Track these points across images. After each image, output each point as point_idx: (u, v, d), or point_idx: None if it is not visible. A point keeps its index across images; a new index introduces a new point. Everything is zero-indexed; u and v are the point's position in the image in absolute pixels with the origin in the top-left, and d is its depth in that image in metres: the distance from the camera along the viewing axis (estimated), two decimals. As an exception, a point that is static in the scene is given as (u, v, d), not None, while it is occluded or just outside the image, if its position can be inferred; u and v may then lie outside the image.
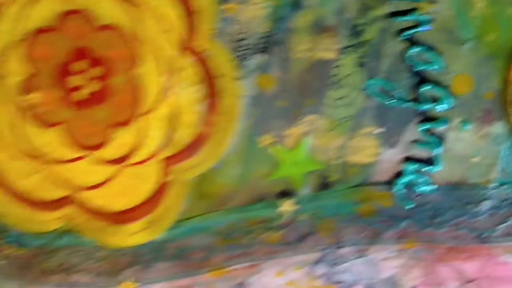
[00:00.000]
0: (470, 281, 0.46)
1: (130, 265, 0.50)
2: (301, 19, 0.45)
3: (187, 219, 0.49)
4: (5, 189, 0.49)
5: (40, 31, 0.46)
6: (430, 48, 0.44)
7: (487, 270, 0.46)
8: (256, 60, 0.46)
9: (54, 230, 0.50)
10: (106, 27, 0.45)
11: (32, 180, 0.49)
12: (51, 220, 0.50)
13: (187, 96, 0.46)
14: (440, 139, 0.45)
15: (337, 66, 0.45)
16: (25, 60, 0.46)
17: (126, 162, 0.47)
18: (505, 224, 0.44)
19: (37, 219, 0.50)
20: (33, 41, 0.46)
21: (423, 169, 0.45)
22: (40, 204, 0.49)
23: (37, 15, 0.46)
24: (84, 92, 0.46)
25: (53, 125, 0.47)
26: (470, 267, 0.46)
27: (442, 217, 0.46)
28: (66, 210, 0.49)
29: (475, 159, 0.45)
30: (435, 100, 0.44)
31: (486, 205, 0.45)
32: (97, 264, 0.50)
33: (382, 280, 0.47)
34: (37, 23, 0.46)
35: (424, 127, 0.45)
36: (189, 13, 0.45)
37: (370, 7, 0.44)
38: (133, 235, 0.49)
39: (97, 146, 0.47)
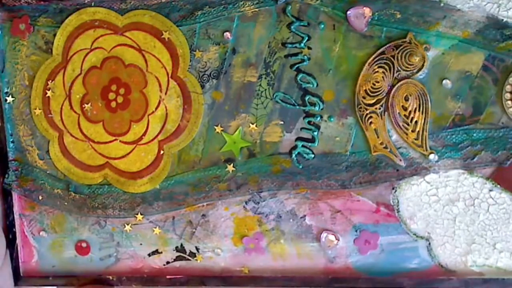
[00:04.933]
0: (338, 211, 0.68)
1: (140, 204, 0.72)
2: (237, 59, 0.67)
3: (172, 176, 0.71)
4: (70, 159, 0.74)
5: (91, 68, 0.71)
6: (309, 74, 0.66)
7: (347, 204, 0.67)
8: (212, 83, 0.69)
9: (97, 183, 0.74)
10: (128, 65, 0.70)
11: (85, 154, 0.73)
12: (95, 177, 0.74)
13: (173, 104, 0.70)
14: (316, 127, 0.66)
15: (257, 86, 0.67)
16: (83, 86, 0.72)
17: (138, 143, 0.71)
18: (356, 177, 0.66)
19: (88, 176, 0.74)
20: (87, 76, 0.72)
21: (307, 145, 0.67)
22: (89, 167, 0.73)
23: (89, 63, 0.71)
24: (115, 103, 0.71)
25: (98, 122, 0.72)
26: (337, 203, 0.67)
27: (319, 173, 0.67)
28: (104, 171, 0.73)
29: (337, 138, 0.66)
30: (313, 104, 0.66)
31: (344, 165, 0.66)
32: (121, 203, 0.73)
33: (286, 211, 0.69)
34: (89, 66, 0.71)
35: (307, 120, 0.66)
36: (174, 57, 0.69)
37: (275, 51, 0.66)
38: (142, 186, 0.72)
39: (123, 134, 0.71)
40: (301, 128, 0.67)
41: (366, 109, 0.65)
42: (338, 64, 0.66)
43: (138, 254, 0.75)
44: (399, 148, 0.65)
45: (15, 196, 0.77)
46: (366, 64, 0.64)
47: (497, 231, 0.64)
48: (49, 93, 0.73)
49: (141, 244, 0.74)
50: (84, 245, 0.76)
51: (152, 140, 0.71)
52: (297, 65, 0.66)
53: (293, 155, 0.68)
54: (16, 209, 0.77)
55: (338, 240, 0.68)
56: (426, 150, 0.64)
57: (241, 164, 0.69)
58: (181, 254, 0.73)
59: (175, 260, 0.74)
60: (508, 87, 0.61)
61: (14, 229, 0.77)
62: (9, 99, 0.75)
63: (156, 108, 0.70)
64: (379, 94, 0.64)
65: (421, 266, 0.67)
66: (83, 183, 0.74)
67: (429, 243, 0.66)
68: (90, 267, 0.77)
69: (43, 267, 0.78)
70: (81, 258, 0.77)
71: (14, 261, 0.78)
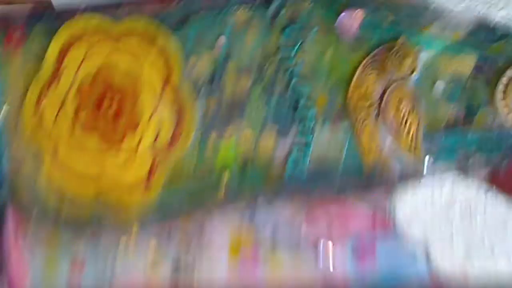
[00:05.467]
0: (334, 219, 0.67)
1: (135, 216, 0.70)
2: (230, 65, 0.68)
3: (167, 186, 0.69)
4: (64, 170, 0.72)
5: (85, 77, 0.71)
6: (303, 78, 0.66)
7: (343, 211, 0.67)
8: (205, 90, 0.68)
9: (92, 195, 0.71)
10: (123, 73, 0.70)
11: (80, 164, 0.72)
12: (90, 189, 0.71)
13: (167, 112, 0.69)
14: (311, 132, 0.66)
15: (251, 92, 0.67)
16: (77, 94, 0.71)
17: (134, 151, 0.70)
18: (351, 183, 0.65)
19: (82, 188, 0.71)
20: (82, 84, 0.72)
21: (302, 150, 0.66)
22: (84, 178, 0.71)
23: (84, 71, 0.71)
24: (110, 111, 0.71)
25: (93, 130, 0.71)
26: (334, 209, 0.67)
27: (315, 179, 0.66)
28: (99, 182, 0.71)
29: (332, 143, 0.66)
30: (307, 109, 0.66)
31: (339, 171, 0.65)
32: (116, 215, 0.71)
33: (282, 220, 0.68)
34: (84, 75, 0.72)
35: (302, 125, 0.66)
36: (168, 65, 0.69)
37: (269, 56, 0.67)
38: (136, 196, 0.70)
39: (118, 142, 0.70)
40: (296, 134, 0.67)
41: (360, 113, 0.65)
42: (331, 68, 0.66)
43: (134, 267, 0.73)
44: (394, 151, 0.65)
45: (8, 210, 0.75)
46: (359, 68, 0.65)
47: (494, 234, 0.64)
48: (43, 103, 0.72)
49: (137, 257, 0.73)
50: (79, 261, 0.74)
51: (147, 149, 0.70)
52: (290, 70, 0.67)
53: (288, 161, 0.67)
54: (8, 224, 0.75)
55: (335, 248, 0.67)
56: (421, 153, 0.64)
57: (236, 172, 0.69)
58: (177, 266, 0.72)
59: (171, 272, 0.72)
60: (500, 87, 0.62)
61: (6, 246, 0.75)
62: (3, 109, 0.74)
63: (151, 117, 0.70)
64: (372, 98, 0.65)
65: (419, 272, 0.66)
66: (77, 195, 0.73)
67: (427, 249, 0.66)
68: (85, 283, 0.74)
69: (36, 283, 0.75)
70: (76, 274, 0.74)
71: (6, 277, 0.75)
